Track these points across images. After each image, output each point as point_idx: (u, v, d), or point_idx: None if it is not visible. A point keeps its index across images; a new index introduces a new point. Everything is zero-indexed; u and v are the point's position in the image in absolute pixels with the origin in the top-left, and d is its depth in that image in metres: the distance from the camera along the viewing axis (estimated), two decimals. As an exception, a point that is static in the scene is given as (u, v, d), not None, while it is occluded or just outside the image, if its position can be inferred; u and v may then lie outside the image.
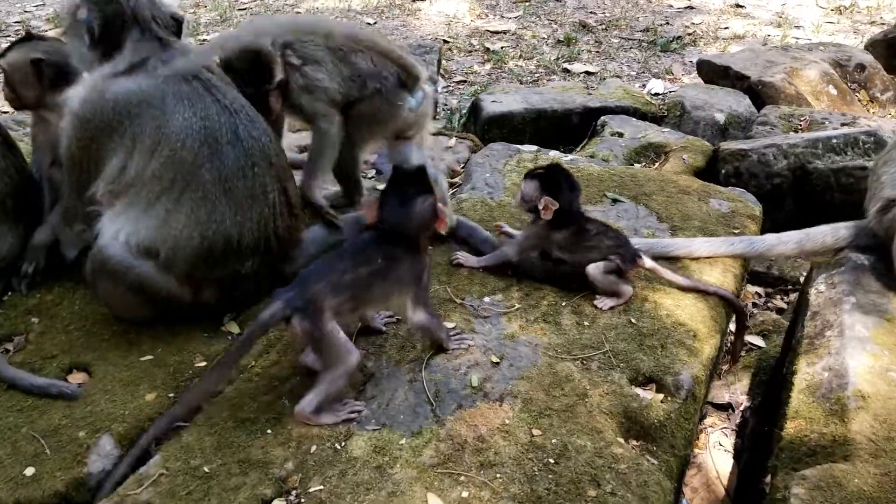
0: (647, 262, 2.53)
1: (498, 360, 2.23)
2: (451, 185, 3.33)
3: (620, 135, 4.43)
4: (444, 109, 5.81)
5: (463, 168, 3.49)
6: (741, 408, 3.10)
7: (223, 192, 2.29)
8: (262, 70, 2.64)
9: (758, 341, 3.40)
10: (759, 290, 3.97)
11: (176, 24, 2.43)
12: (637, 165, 4.25)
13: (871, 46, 5.69)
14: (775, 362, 2.92)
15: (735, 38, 6.92)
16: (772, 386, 2.82)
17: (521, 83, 6.21)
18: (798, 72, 5.17)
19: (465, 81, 6.40)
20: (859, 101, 5.15)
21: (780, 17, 7.30)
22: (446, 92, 6.33)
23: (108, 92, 2.28)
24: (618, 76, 6.30)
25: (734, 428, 3.01)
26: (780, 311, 3.62)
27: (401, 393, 2.12)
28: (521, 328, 2.37)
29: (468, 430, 2.00)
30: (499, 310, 2.45)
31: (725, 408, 3.14)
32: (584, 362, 2.24)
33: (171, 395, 2.19)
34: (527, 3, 7.84)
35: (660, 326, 2.39)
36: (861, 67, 5.25)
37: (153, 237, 2.30)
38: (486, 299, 2.50)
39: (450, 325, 2.36)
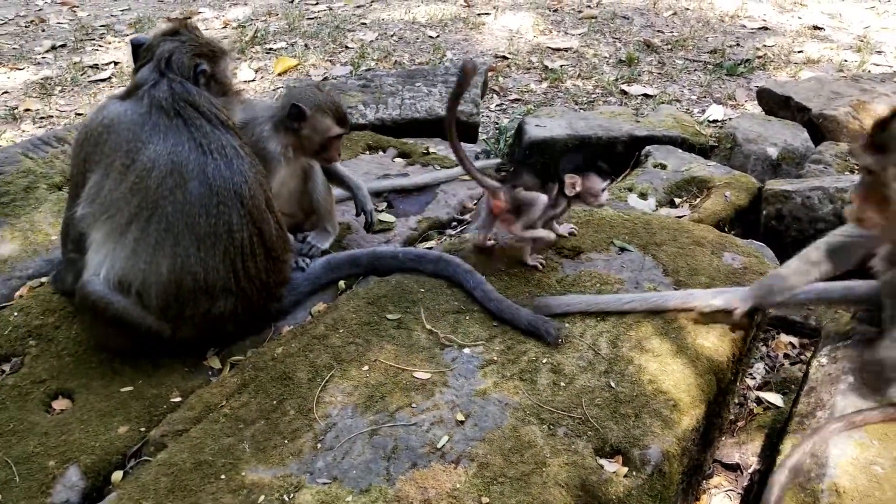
0: None
1: (463, 419, 2.19)
2: (461, 222, 3.29)
3: (663, 167, 4.28)
4: (493, 129, 5.76)
5: (475, 205, 3.43)
6: (749, 470, 2.95)
7: (186, 226, 2.35)
8: None
9: (776, 399, 3.22)
10: (794, 340, 3.77)
11: (194, 73, 2.51)
12: (677, 200, 4.11)
13: (953, 79, 5.29)
14: (780, 428, 2.75)
15: (808, 62, 6.55)
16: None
17: (576, 104, 6.09)
18: (865, 105, 4.84)
19: (519, 100, 6.31)
20: (930, 140, 4.78)
21: (861, 40, 6.87)
22: (499, 110, 6.27)
23: (102, 112, 2.47)
24: (677, 100, 6.09)
25: (740, 491, 2.86)
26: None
27: (358, 445, 2.11)
28: (495, 384, 2.31)
29: (417, 493, 1.98)
30: (476, 363, 2.41)
31: (734, 468, 3.00)
32: (552, 427, 2.17)
33: (143, 428, 2.27)
34: (592, 20, 7.67)
35: (639, 393, 2.29)
36: (935, 103, 4.88)
37: (125, 269, 2.38)
38: (467, 351, 2.46)
39: (424, 375, 2.35)
